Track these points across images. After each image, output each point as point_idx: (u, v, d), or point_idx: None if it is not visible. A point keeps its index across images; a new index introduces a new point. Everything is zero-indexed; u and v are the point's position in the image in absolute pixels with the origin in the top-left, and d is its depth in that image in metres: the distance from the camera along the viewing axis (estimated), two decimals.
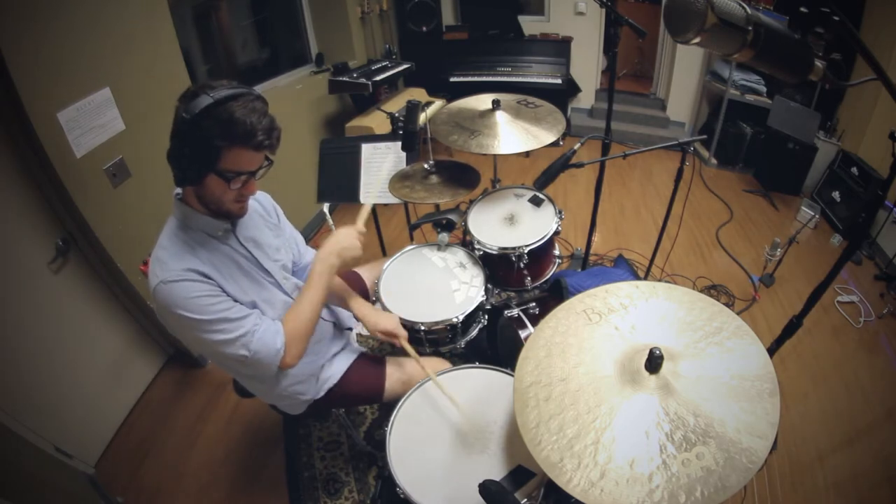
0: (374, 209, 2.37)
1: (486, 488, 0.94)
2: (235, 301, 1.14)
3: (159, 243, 1.11)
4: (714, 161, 4.12)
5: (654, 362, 0.84)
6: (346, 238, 1.27)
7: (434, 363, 1.50)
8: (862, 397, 2.09)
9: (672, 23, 0.82)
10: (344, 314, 1.58)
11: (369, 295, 1.78)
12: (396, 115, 2.33)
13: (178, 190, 1.12)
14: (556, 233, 1.79)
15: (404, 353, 1.46)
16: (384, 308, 1.60)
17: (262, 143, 1.00)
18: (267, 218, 1.34)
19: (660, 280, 2.71)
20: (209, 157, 0.99)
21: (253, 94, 1.02)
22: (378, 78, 3.42)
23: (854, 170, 3.08)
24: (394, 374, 1.50)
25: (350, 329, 1.59)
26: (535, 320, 1.62)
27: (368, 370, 1.51)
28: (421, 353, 1.63)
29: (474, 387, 1.31)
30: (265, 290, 1.24)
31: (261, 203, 1.34)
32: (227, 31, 3.05)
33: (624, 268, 2.72)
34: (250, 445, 2.04)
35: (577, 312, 1.03)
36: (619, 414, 0.83)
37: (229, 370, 1.35)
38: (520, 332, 1.60)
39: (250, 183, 1.09)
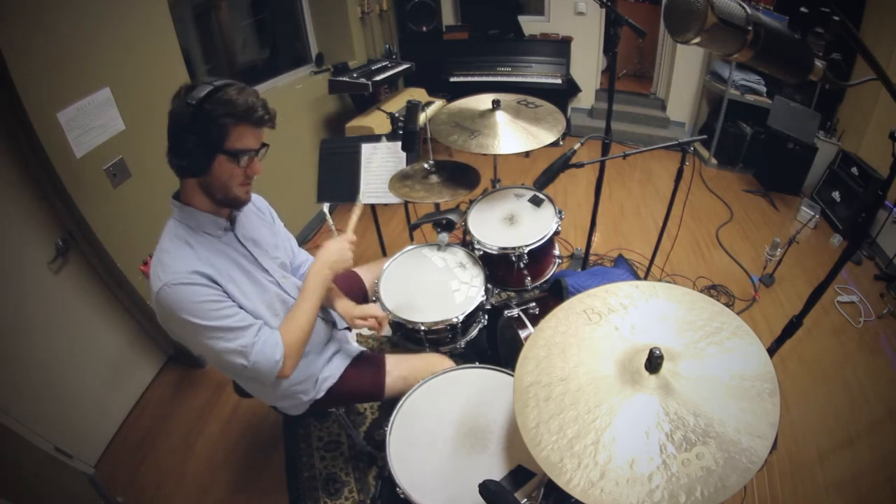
0: (374, 209, 2.37)
1: (486, 488, 0.94)
2: (239, 307, 1.14)
3: (160, 247, 1.11)
4: (714, 161, 4.12)
5: (654, 362, 0.84)
6: (337, 251, 1.32)
7: (436, 360, 1.50)
8: (862, 397, 2.09)
9: (672, 23, 0.82)
10: (338, 314, 1.58)
11: (368, 295, 1.78)
12: (396, 115, 2.32)
13: (176, 192, 1.14)
14: (556, 233, 1.79)
15: (404, 351, 1.46)
16: (383, 307, 1.60)
17: (262, 118, 1.08)
18: (262, 217, 1.37)
19: (660, 280, 2.71)
20: (216, 137, 1.04)
21: (241, 84, 1.09)
22: (378, 78, 3.42)
23: (854, 170, 3.08)
24: (394, 371, 1.49)
25: (346, 328, 1.59)
26: (535, 320, 1.61)
27: (368, 368, 1.51)
28: (420, 353, 1.64)
29: (474, 387, 1.31)
30: (265, 291, 1.25)
31: (256, 205, 1.37)
32: (227, 31, 3.05)
33: (624, 268, 2.71)
34: (250, 445, 2.04)
35: (577, 312, 1.03)
36: (619, 414, 0.83)
37: (229, 373, 1.36)
38: (520, 332, 1.60)
39: (254, 162, 1.13)
